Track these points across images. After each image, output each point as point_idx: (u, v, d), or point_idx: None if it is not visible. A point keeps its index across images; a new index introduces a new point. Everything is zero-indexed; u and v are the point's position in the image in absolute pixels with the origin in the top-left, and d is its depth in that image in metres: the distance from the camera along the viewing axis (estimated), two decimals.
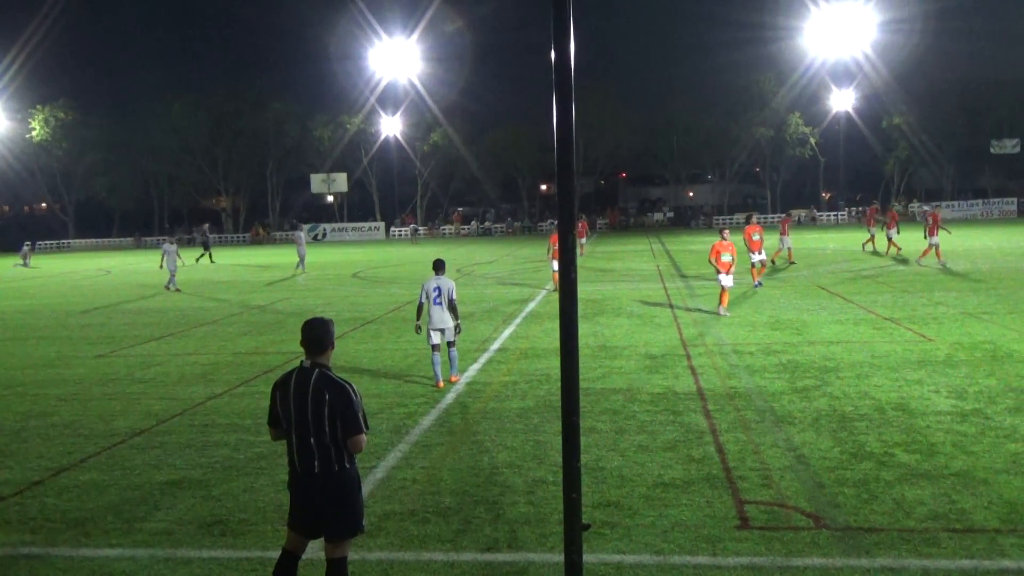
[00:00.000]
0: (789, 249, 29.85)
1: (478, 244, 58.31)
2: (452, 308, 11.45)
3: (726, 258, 17.47)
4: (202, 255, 45.38)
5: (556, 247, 22.10)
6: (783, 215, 41.74)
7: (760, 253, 22.14)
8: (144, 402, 11.54)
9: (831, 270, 26.87)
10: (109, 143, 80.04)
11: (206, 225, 63.73)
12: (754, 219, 23.74)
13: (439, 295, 11.40)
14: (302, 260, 35.13)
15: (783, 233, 30.19)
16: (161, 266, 28.72)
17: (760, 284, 22.26)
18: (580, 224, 49.31)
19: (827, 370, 11.84)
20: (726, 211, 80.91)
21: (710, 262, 17.95)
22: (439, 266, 11.69)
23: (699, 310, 18.51)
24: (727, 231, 18.25)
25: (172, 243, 29.50)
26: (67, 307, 24.35)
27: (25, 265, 46.12)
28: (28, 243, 49.51)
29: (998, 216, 66.80)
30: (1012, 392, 10.22)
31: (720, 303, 17.70)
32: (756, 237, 22.01)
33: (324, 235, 76.84)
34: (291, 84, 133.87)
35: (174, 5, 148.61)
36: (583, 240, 46.23)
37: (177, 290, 27.69)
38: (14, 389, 12.78)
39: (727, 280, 17.44)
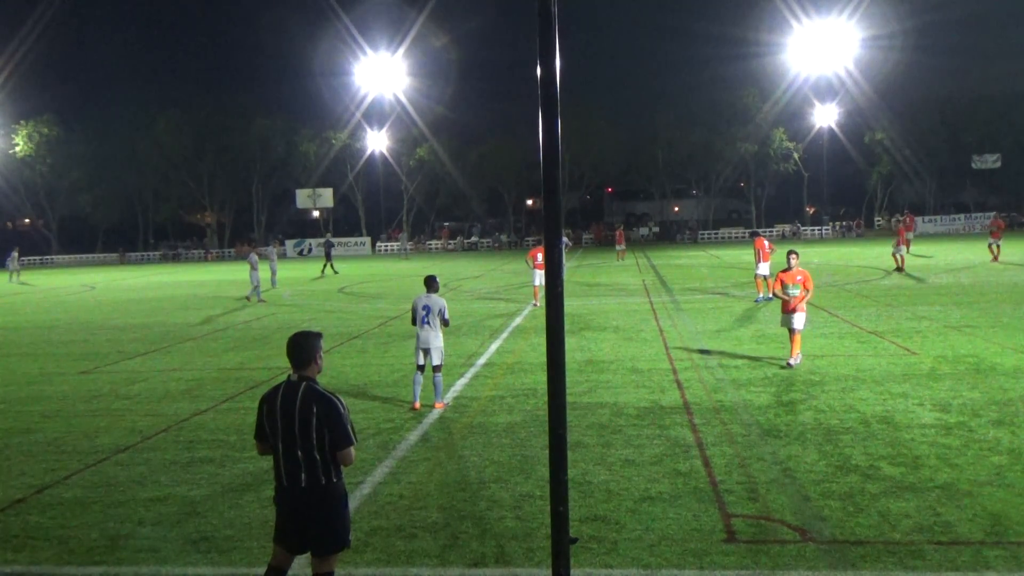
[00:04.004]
0: (902, 256, 30.53)
1: (464, 259, 58.29)
2: (443, 325, 11.12)
3: (793, 292, 13.19)
4: (326, 265, 44.27)
5: (536, 260, 22.42)
6: (900, 223, 40.42)
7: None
8: (128, 418, 11.46)
9: (815, 284, 26.98)
10: (93, 158, 79.70)
11: (329, 234, 62.76)
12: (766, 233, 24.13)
13: (428, 314, 10.97)
14: (272, 276, 35.00)
15: (901, 243, 30.76)
16: (263, 275, 27.62)
17: (762, 299, 22.28)
18: (618, 232, 49.68)
19: (812, 383, 11.90)
20: (711, 226, 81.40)
21: (774, 294, 14.27)
22: (430, 283, 11.23)
23: (685, 324, 18.57)
24: (795, 255, 13.57)
25: (257, 254, 29.31)
26: (50, 323, 24.20)
27: (11, 273, 45.85)
28: (17, 251, 49.04)
29: (980, 231, 67.31)
30: (995, 405, 10.30)
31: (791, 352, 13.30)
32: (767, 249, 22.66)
33: (310, 250, 76.59)
34: (277, 99, 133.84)
35: (159, 20, 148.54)
36: (622, 246, 46.71)
37: (261, 301, 27.68)
38: None
39: (796, 320, 13.18)
